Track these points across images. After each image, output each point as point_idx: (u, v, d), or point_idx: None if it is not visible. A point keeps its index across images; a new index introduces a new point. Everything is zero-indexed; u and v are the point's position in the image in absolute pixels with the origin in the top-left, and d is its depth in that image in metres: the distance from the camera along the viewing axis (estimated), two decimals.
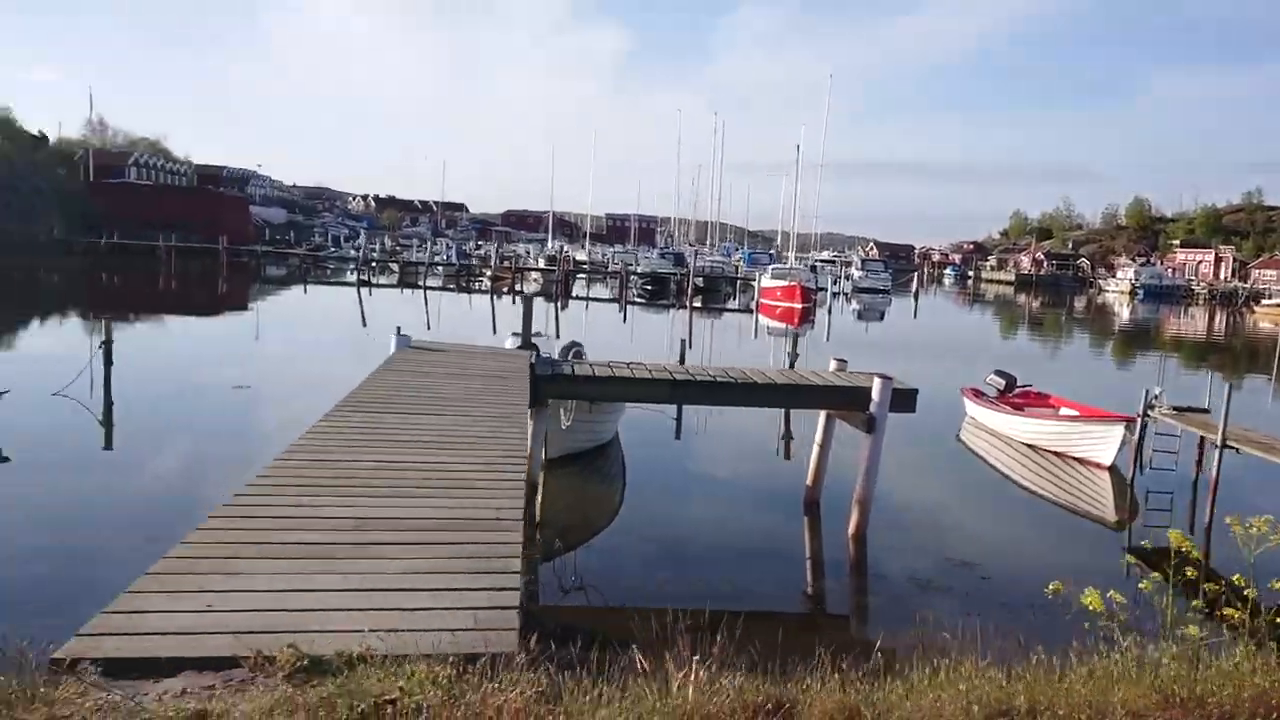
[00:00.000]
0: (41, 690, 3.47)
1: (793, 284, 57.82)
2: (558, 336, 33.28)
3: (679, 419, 21.90)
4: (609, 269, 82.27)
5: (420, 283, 67.00)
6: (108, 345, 21.03)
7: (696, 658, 3.76)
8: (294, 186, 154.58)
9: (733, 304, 66.61)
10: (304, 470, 7.05)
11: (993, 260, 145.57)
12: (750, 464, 19.50)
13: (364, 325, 43.04)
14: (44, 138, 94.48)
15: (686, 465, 19.27)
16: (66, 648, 3.99)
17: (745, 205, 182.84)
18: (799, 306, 55.15)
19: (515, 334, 21.39)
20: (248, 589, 4.78)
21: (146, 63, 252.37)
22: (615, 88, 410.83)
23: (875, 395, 13.68)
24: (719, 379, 13.85)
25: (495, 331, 40.12)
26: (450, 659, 3.85)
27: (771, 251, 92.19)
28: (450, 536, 5.77)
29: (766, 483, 18.01)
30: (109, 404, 20.27)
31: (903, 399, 13.95)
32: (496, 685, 3.56)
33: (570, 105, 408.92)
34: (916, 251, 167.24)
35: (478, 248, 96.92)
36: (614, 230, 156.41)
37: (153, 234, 70.66)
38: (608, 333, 43.59)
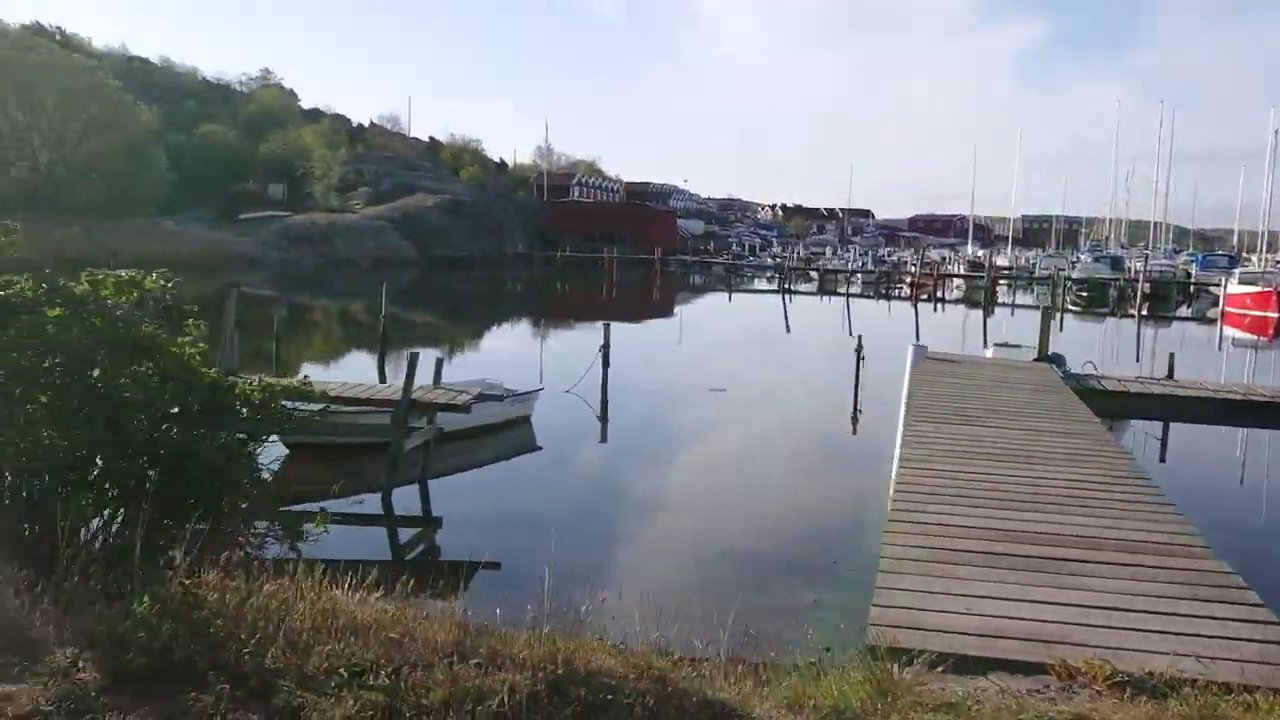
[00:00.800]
0: (906, 680, 3.81)
1: (1267, 290, 50.64)
2: (987, 344, 31.92)
3: (1164, 439, 19.89)
4: (1034, 274, 77.44)
5: (838, 289, 67.39)
6: (606, 349, 23.33)
7: None
8: (708, 199, 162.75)
9: (1183, 312, 59.74)
10: (929, 480, 7.29)
11: None
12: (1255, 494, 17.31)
13: (788, 331, 44.13)
14: (504, 164, 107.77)
15: (1187, 489, 17.53)
16: (875, 636, 4.39)
17: (1190, 202, 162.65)
18: (1275, 316, 48.23)
19: (999, 344, 20.76)
20: (986, 595, 5.00)
21: (581, 92, 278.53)
22: (1028, 82, 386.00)
23: None
24: None
25: (919, 338, 39.26)
26: None
27: (1229, 254, 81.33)
28: (1140, 559, 5.64)
29: None
30: (605, 401, 22.32)
31: None
32: None
33: (978, 104, 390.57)
34: None
35: (890, 254, 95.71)
36: (1029, 233, 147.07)
37: (596, 246, 78.09)
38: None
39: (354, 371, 26.61)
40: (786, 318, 49.72)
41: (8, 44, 55.24)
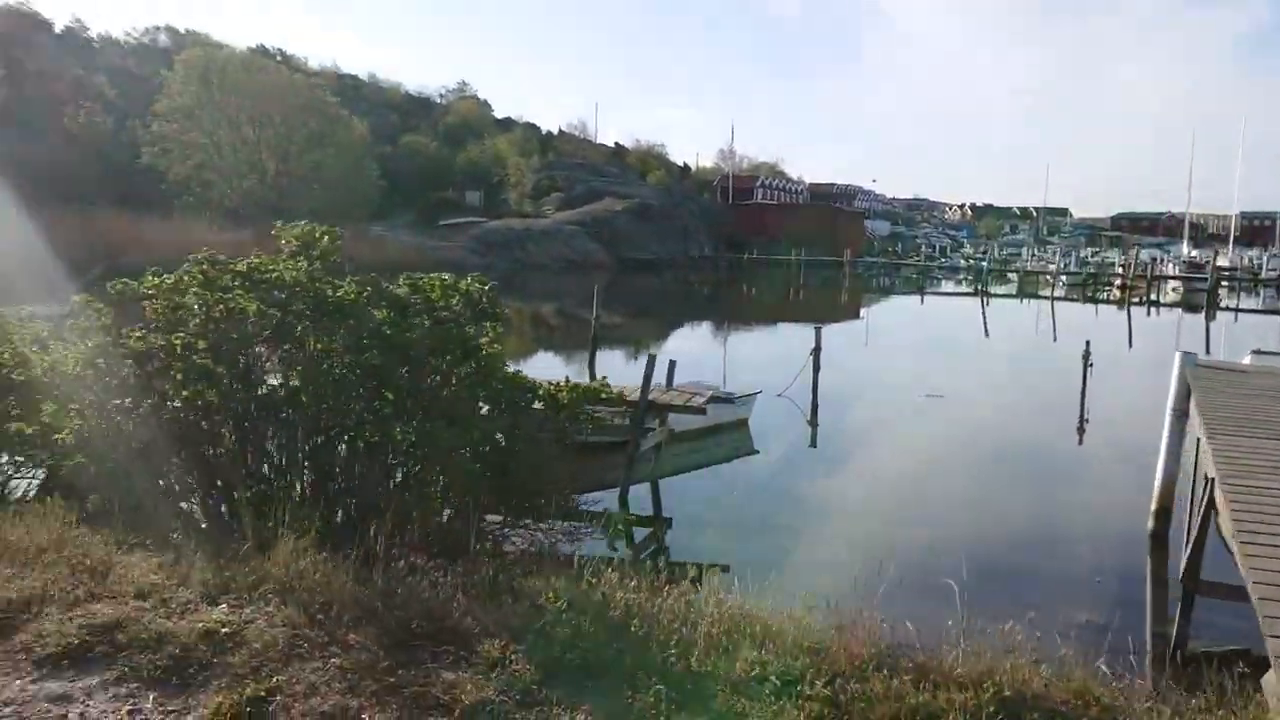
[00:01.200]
0: None
1: None
2: (1207, 353, 29.51)
3: None
4: (1260, 276, 71.47)
5: (1039, 292, 64.25)
6: (816, 352, 22.89)
7: None
8: (893, 199, 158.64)
9: None
10: (1267, 501, 6.69)
11: None
12: None
13: (986, 335, 42.48)
14: (687, 168, 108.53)
15: None
16: None
17: None
18: None
19: (1257, 351, 19.17)
20: None
21: (761, 93, 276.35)
22: (1243, 70, 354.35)
23: None
24: None
25: (1131, 346, 36.95)
26: None
27: None
28: None
29: None
30: (815, 406, 21.96)
31: None
32: None
33: (1189, 95, 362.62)
34: None
35: (1094, 254, 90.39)
36: (1249, 230, 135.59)
37: (782, 248, 77.64)
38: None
39: (551, 371, 27.25)
40: (985, 321, 47.86)
41: (240, 66, 59.91)
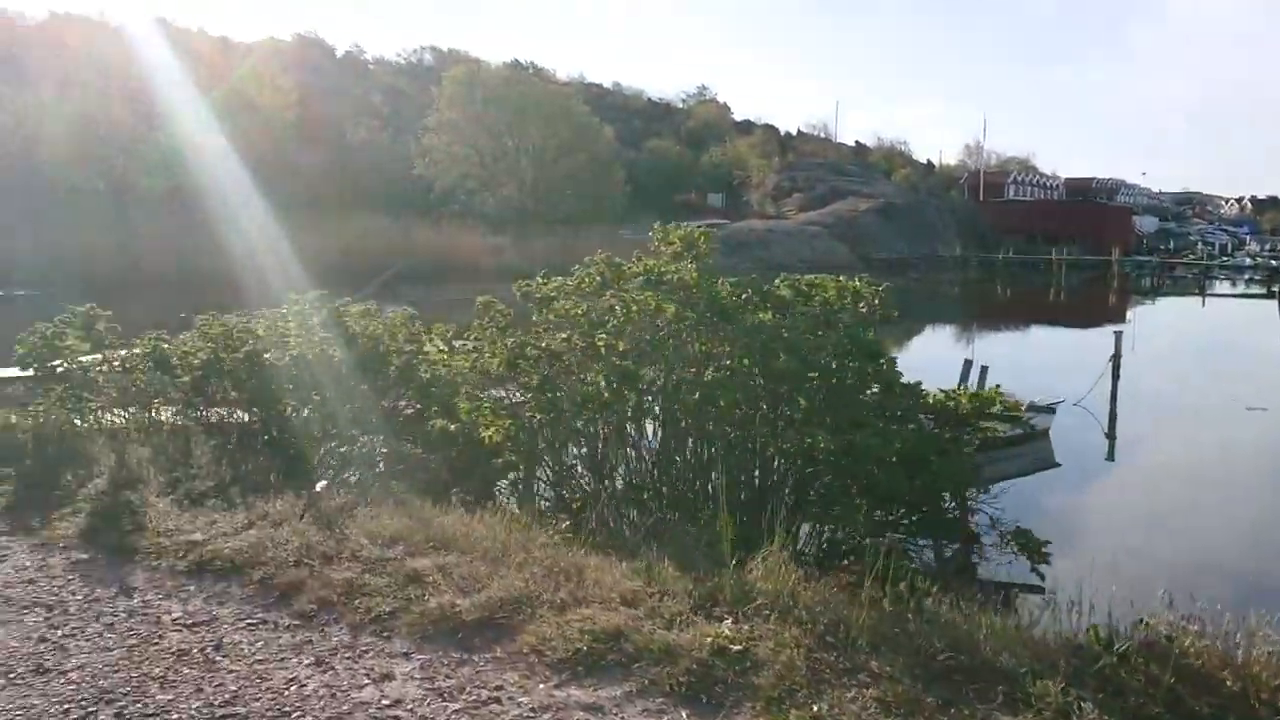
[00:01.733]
0: None
1: None
2: None
3: None
4: None
5: None
6: (1116, 359, 21.24)
7: None
8: (1159, 193, 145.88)
9: None
10: None
11: None
12: None
13: None
14: (931, 165, 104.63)
15: None
16: None
17: None
18: None
19: None
20: None
21: (1010, 88, 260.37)
22: None
23: None
24: None
25: None
26: None
27: None
28: None
29: None
30: (1113, 416, 20.40)
31: None
32: None
33: None
34: None
35: None
36: None
37: (1039, 247, 73.27)
38: None
39: None
40: None
41: (499, 80, 63.04)
